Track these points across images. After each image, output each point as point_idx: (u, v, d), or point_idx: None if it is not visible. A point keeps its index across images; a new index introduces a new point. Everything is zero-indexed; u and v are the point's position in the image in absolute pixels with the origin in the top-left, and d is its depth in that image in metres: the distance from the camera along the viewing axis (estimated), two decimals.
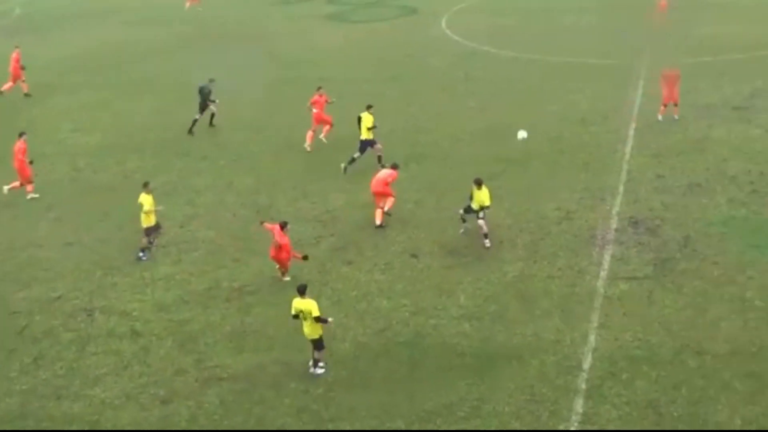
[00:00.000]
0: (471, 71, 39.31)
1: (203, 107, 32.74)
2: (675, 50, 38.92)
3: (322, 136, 30.75)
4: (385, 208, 24.47)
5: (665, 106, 30.64)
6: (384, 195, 24.47)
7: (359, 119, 27.91)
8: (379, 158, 27.71)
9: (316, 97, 30.88)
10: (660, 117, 30.73)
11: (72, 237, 25.04)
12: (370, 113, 27.97)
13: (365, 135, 27.94)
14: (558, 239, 23.26)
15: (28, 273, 23.37)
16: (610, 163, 27.89)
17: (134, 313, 21.14)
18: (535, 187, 26.36)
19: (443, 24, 48.75)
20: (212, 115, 33.16)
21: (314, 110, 30.72)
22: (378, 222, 24.37)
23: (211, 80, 32.87)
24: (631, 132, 30.33)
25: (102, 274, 22.98)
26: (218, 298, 21.54)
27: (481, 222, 22.84)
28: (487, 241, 22.85)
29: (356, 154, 27.97)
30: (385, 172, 24.77)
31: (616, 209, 24.63)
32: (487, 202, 22.65)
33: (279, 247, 21.43)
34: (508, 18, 48.97)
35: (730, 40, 40.33)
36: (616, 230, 23.45)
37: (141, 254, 23.46)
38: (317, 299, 18.46)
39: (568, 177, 27.02)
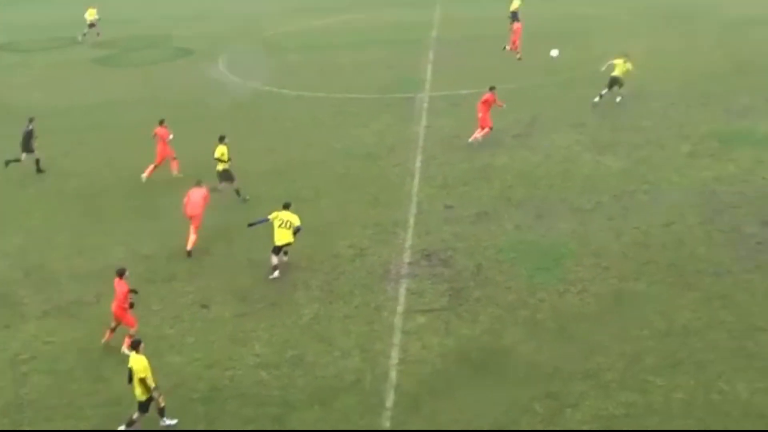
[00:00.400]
0: (253, 111, 39.12)
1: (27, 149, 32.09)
2: (455, 82, 40.29)
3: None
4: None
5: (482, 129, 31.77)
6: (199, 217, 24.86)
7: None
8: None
9: (159, 129, 30.84)
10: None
11: None
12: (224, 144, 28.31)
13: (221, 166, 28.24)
14: (353, 277, 23.35)
15: None
16: (399, 196, 28.42)
17: None
18: (327, 225, 26.38)
19: (220, 65, 48.26)
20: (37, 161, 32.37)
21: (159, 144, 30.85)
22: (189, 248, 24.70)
23: (31, 119, 32.34)
24: (418, 164, 31.05)
25: None
26: None
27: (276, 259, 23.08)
28: (276, 273, 23.00)
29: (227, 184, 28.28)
30: (199, 193, 25.04)
31: (408, 242, 25.06)
32: (297, 223, 23.03)
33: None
34: (288, 56, 49.21)
35: (507, 70, 42.13)
36: (410, 264, 23.82)
37: None
38: (101, 361, 17.59)
39: (359, 213, 27.32)
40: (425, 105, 37.70)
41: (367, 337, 20.59)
